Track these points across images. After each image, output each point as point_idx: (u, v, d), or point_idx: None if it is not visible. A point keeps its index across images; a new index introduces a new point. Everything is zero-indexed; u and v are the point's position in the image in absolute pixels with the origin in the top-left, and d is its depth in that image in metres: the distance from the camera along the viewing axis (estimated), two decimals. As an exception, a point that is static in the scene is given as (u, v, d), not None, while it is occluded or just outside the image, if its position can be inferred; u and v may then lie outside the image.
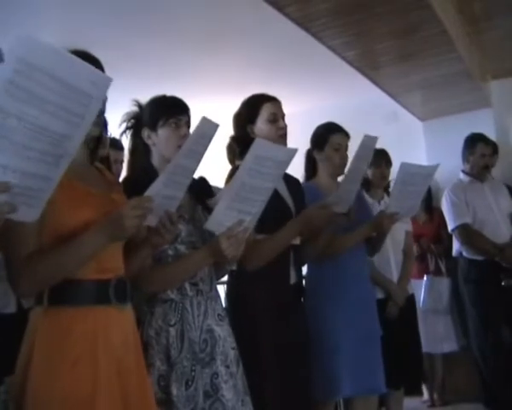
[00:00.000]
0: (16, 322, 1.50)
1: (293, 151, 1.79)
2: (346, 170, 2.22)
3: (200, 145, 1.57)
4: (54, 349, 1.35)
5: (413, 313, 3.29)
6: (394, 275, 3.16)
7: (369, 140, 2.23)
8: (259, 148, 1.68)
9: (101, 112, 1.45)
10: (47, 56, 1.00)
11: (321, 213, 2.10)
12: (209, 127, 1.57)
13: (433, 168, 2.48)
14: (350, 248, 2.53)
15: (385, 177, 3.34)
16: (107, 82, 1.11)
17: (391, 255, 3.16)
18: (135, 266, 1.61)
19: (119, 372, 1.41)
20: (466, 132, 3.97)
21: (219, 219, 1.71)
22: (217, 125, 1.58)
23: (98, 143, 1.59)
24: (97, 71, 1.12)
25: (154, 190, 1.49)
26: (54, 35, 3.73)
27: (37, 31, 3.62)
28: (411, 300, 3.28)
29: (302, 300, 2.38)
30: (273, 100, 2.27)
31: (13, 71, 0.96)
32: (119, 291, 1.46)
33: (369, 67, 3.63)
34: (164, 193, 1.52)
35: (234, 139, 2.32)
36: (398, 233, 3.16)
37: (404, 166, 2.32)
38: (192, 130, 1.59)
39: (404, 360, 2.98)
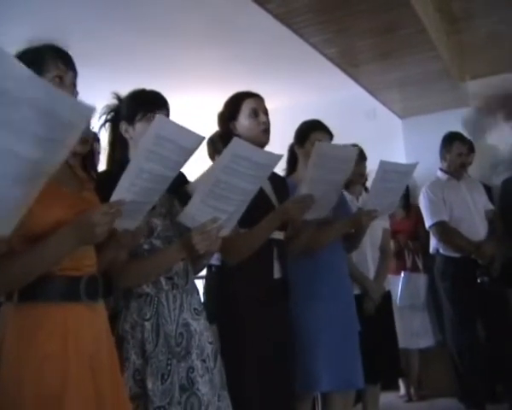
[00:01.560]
0: None
1: (277, 157, 1.78)
2: (307, 176, 2.16)
3: (166, 150, 1.47)
4: (23, 346, 1.34)
5: (389, 310, 3.33)
6: (371, 271, 3.20)
7: (321, 147, 2.17)
8: (237, 147, 1.67)
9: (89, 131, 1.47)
10: (32, 87, 1.00)
11: (295, 206, 2.11)
12: (175, 132, 1.47)
13: (412, 166, 2.50)
14: (327, 243, 2.55)
15: (362, 173, 3.36)
16: (89, 113, 1.11)
17: (368, 252, 3.19)
18: (102, 263, 1.59)
19: (91, 369, 1.40)
20: (444, 131, 4.02)
21: (193, 213, 1.70)
22: (198, 137, 1.50)
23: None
24: (80, 102, 1.11)
25: (119, 194, 1.44)
26: (36, 26, 3.70)
27: (19, 22, 3.56)
28: (388, 296, 3.31)
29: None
30: (254, 96, 2.28)
31: None
32: (90, 289, 1.45)
33: (349, 64, 3.64)
34: (132, 198, 1.47)
35: (219, 137, 2.34)
36: (376, 230, 3.20)
37: (382, 163, 2.34)
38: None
39: (380, 355, 3.02)
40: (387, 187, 2.43)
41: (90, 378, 1.39)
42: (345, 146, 2.40)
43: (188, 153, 1.51)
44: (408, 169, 2.51)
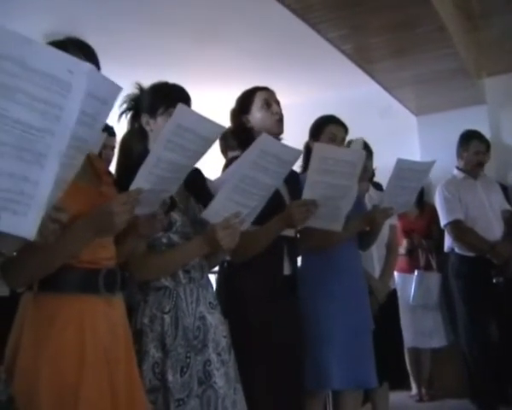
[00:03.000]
0: (9, 305, 1.49)
1: (299, 152, 1.79)
2: (308, 180, 2.08)
3: (186, 140, 1.46)
4: (40, 335, 1.35)
5: (395, 308, 3.29)
6: (376, 269, 3.15)
7: (320, 150, 2.09)
8: (266, 142, 1.67)
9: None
10: (14, 43, 0.93)
11: (299, 211, 2.07)
12: (196, 122, 1.46)
13: (429, 165, 2.47)
14: (341, 242, 2.53)
15: (368, 169, 3.30)
16: (86, 69, 1.01)
17: (373, 250, 3.12)
18: (121, 255, 1.60)
19: (107, 361, 1.41)
20: (460, 128, 3.97)
21: (217, 210, 1.70)
22: (219, 127, 1.50)
23: None
24: (73, 58, 1.03)
25: (138, 183, 1.44)
26: (46, 22, 3.73)
27: (28, 18, 3.58)
28: (393, 295, 3.28)
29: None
30: (265, 89, 2.29)
31: None
32: (108, 282, 1.46)
33: (364, 60, 3.62)
34: (150, 187, 1.48)
35: (231, 132, 2.33)
36: (383, 227, 3.15)
37: (400, 162, 2.31)
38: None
39: (385, 355, 2.99)
40: (403, 185, 2.41)
41: (105, 370, 1.40)
42: (349, 149, 2.36)
43: (208, 143, 1.51)
44: (425, 167, 2.49)
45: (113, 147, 3.01)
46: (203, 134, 1.48)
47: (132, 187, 1.42)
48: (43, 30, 4.07)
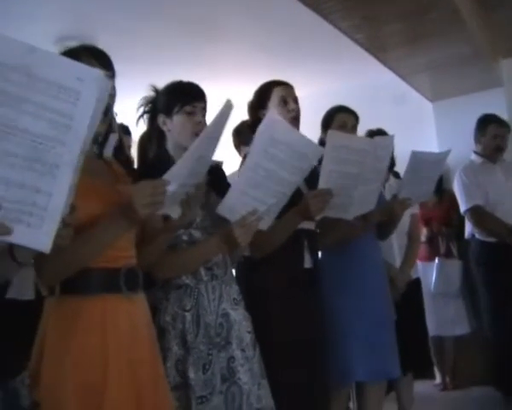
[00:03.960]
0: (34, 309, 1.50)
1: (318, 148, 1.76)
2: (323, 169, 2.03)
3: (216, 132, 1.51)
4: (63, 337, 1.36)
5: (418, 298, 3.26)
6: (397, 259, 3.13)
7: (334, 137, 2.04)
8: (275, 128, 1.63)
9: (107, 109, 1.37)
10: (20, 54, 0.92)
11: (315, 201, 2.05)
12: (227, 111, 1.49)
13: (445, 154, 2.45)
14: (361, 234, 2.51)
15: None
16: (95, 75, 0.98)
17: (394, 239, 3.10)
18: (153, 254, 1.61)
19: (130, 361, 1.41)
20: (477, 113, 3.91)
21: (232, 205, 1.69)
22: (231, 107, 1.52)
23: (106, 138, 1.56)
24: (83, 65, 1.00)
25: (174, 174, 1.42)
26: (66, 23, 3.75)
27: (43, 18, 3.60)
28: (416, 284, 3.25)
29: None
30: (283, 84, 2.27)
31: None
32: (129, 280, 1.46)
33: (377, 49, 3.60)
34: (184, 181, 1.47)
35: (247, 126, 2.33)
36: (403, 216, 3.12)
37: (414, 154, 2.28)
38: (213, 115, 1.49)
39: (409, 344, 2.97)
40: (420, 176, 2.38)
41: (129, 370, 1.41)
42: (363, 137, 2.33)
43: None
44: (440, 157, 2.46)
45: (129, 146, 3.02)
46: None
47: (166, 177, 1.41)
48: (56, 32, 4.11)
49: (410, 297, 3.08)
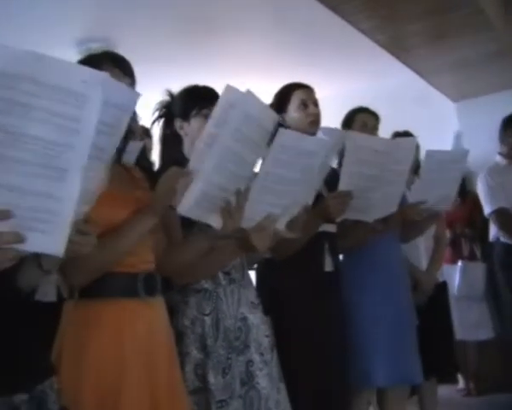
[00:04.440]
0: (56, 311, 1.51)
1: (327, 142, 1.73)
2: (343, 171, 2.03)
3: (253, 132, 1.44)
4: (81, 341, 1.37)
5: (444, 301, 3.21)
6: (423, 262, 3.08)
7: (354, 138, 2.04)
8: (283, 137, 1.61)
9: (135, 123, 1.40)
10: (25, 62, 0.91)
11: (336, 203, 2.04)
12: (259, 109, 1.43)
13: (462, 153, 2.37)
14: (379, 236, 2.46)
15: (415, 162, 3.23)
16: (100, 77, 0.98)
17: (420, 241, 3.06)
18: (187, 260, 1.63)
19: (146, 365, 1.42)
20: (501, 113, 3.84)
21: (247, 214, 1.65)
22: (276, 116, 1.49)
23: (125, 143, 1.55)
24: (86, 68, 1.00)
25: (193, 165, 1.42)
26: (81, 25, 3.79)
27: (64, 22, 3.64)
28: (442, 287, 3.20)
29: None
30: (304, 87, 2.25)
31: None
32: (147, 285, 1.47)
33: (399, 48, 3.57)
34: (214, 181, 1.44)
35: None
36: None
37: (429, 153, 2.23)
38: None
39: (434, 349, 2.92)
40: (437, 177, 2.30)
41: (145, 374, 1.41)
42: (383, 138, 2.29)
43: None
44: (457, 157, 2.37)
45: (151, 149, 3.03)
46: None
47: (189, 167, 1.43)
48: (78, 34, 4.14)
49: (437, 301, 3.04)
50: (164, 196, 1.40)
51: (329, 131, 2.15)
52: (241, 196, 1.51)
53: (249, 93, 1.40)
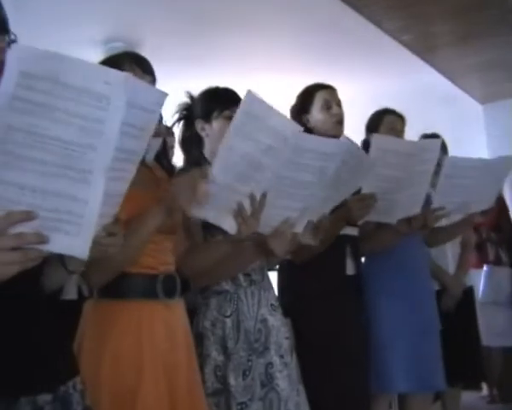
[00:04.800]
0: (77, 308, 1.53)
1: (344, 144, 1.67)
2: None
3: (259, 131, 1.41)
4: (99, 341, 1.38)
5: (471, 306, 3.16)
6: (451, 266, 3.05)
7: (379, 140, 1.98)
8: (303, 141, 1.57)
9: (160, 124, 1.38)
10: (48, 63, 0.91)
11: (358, 205, 2.00)
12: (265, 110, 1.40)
13: (485, 163, 2.28)
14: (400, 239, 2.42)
15: (439, 164, 3.17)
16: (123, 78, 0.96)
17: (448, 246, 3.02)
18: (206, 263, 1.62)
19: (164, 365, 1.42)
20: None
21: (264, 220, 1.62)
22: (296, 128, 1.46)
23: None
24: (109, 69, 0.99)
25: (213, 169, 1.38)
26: (105, 25, 3.83)
27: (88, 22, 3.67)
28: (469, 292, 3.15)
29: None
30: (327, 87, 2.24)
31: (15, 85, 0.89)
32: (167, 286, 1.47)
33: (425, 49, 3.54)
34: (229, 183, 1.42)
35: None
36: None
37: (449, 159, 2.18)
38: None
39: (460, 355, 2.87)
40: (458, 184, 2.22)
41: (163, 375, 1.41)
42: (408, 140, 2.25)
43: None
44: (480, 165, 2.28)
45: (173, 146, 3.03)
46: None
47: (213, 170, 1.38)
48: (102, 34, 4.18)
49: (463, 306, 3.00)
50: (180, 196, 1.35)
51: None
52: (256, 201, 1.49)
53: (260, 101, 1.39)
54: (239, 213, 1.48)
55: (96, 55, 3.35)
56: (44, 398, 1.02)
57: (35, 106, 0.90)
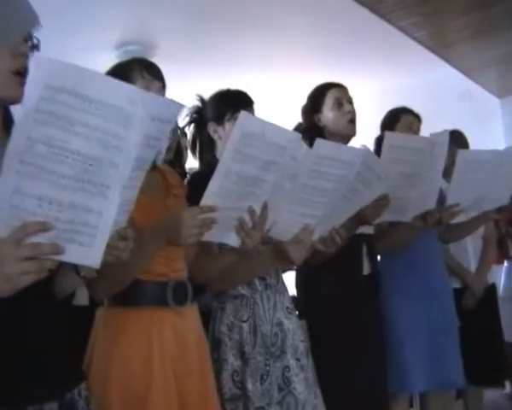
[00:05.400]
0: (88, 315, 1.55)
1: (362, 151, 1.67)
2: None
3: (254, 148, 1.37)
4: (109, 347, 1.39)
5: (493, 304, 3.12)
6: (472, 263, 3.01)
7: (393, 138, 1.98)
8: (320, 148, 1.56)
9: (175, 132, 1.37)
10: (70, 76, 0.91)
11: (372, 206, 1.97)
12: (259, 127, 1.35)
13: (498, 153, 2.24)
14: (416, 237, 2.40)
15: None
16: (143, 97, 0.97)
17: (468, 242, 2.99)
18: (215, 271, 1.63)
19: (175, 373, 1.42)
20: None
21: (282, 226, 1.64)
22: (286, 132, 1.42)
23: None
24: (132, 87, 0.99)
25: (209, 198, 1.36)
26: (121, 28, 3.85)
27: (104, 25, 3.70)
28: (491, 289, 3.11)
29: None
30: (337, 86, 2.23)
31: (39, 98, 0.90)
32: (177, 294, 1.46)
33: (440, 45, 3.50)
34: (229, 205, 1.41)
35: (303, 131, 2.27)
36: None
37: (461, 154, 2.15)
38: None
39: (483, 352, 2.84)
40: (471, 179, 2.19)
41: (173, 382, 1.41)
42: (420, 136, 2.23)
43: (280, 149, 1.42)
44: (492, 157, 2.24)
45: (186, 147, 3.05)
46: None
47: (203, 202, 1.35)
48: (117, 37, 4.20)
49: (485, 304, 2.97)
50: (189, 237, 1.34)
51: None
52: (256, 215, 1.48)
53: (245, 114, 1.35)
54: (241, 228, 1.48)
55: (110, 59, 3.38)
56: (51, 406, 1.03)
57: (56, 119, 0.91)
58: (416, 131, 2.52)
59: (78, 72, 0.92)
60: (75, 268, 1.12)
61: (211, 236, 1.43)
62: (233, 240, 1.51)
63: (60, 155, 0.92)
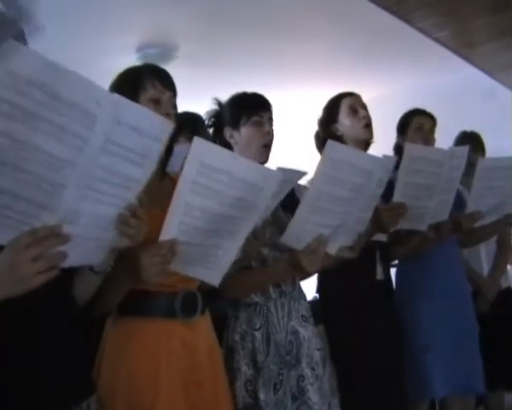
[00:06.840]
0: (98, 326, 1.52)
1: (383, 160, 1.66)
2: (398, 182, 1.96)
3: (215, 181, 1.22)
4: (116, 358, 1.39)
5: (510, 308, 3.08)
6: (485, 267, 2.99)
7: (412, 149, 1.97)
8: (332, 151, 1.53)
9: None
10: (44, 71, 0.89)
11: (389, 214, 1.99)
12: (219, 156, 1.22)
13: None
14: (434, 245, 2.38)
15: (474, 163, 3.10)
16: (112, 101, 0.94)
17: (481, 246, 2.97)
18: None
19: (184, 384, 1.40)
20: None
21: (296, 234, 1.62)
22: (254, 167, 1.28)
23: (169, 152, 1.51)
24: (102, 89, 0.96)
25: (168, 232, 1.23)
26: (141, 32, 3.87)
27: (125, 29, 3.73)
28: (507, 293, 3.07)
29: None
30: (350, 94, 2.25)
31: (6, 88, 0.87)
32: (186, 305, 1.44)
33: (463, 45, 3.45)
34: (196, 241, 1.28)
35: (323, 141, 2.27)
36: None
37: (482, 162, 2.16)
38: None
39: (502, 357, 2.81)
40: (492, 186, 2.20)
41: (182, 394, 1.40)
42: (439, 148, 2.22)
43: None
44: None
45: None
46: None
47: (162, 236, 1.22)
48: (138, 41, 4.22)
49: (502, 308, 2.93)
50: (152, 276, 1.25)
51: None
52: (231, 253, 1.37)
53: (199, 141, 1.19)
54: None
55: (131, 62, 3.41)
56: None
57: (22, 112, 0.89)
58: (428, 131, 2.51)
59: (52, 67, 0.90)
60: (90, 267, 1.12)
61: (188, 270, 1.35)
62: (209, 277, 1.38)
63: (21, 149, 0.90)
